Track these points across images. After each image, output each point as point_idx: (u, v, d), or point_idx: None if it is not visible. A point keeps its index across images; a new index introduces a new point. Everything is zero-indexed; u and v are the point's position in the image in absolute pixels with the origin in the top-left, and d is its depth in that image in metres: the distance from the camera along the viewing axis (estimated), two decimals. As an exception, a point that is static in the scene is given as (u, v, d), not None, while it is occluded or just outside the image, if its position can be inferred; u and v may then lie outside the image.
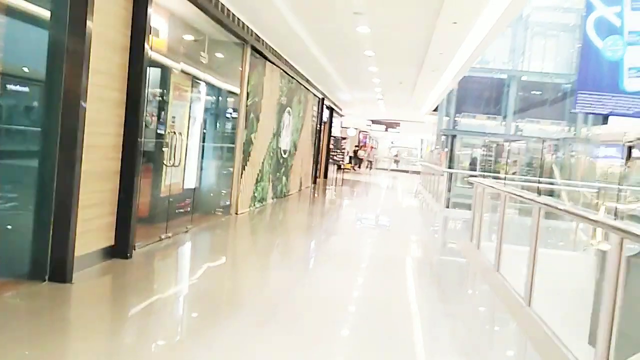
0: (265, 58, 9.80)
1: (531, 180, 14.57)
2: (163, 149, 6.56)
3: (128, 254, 5.38)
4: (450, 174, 12.95)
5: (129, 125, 5.36)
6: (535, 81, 23.40)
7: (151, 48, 5.66)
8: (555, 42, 23.70)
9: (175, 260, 6.19)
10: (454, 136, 22.61)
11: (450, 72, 11.99)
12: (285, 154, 12.34)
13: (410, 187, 23.07)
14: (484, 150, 18.88)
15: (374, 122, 29.13)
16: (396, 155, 44.31)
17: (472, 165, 18.28)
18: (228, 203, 8.84)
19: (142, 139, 5.55)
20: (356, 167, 31.41)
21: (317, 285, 5.33)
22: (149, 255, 5.79)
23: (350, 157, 27.59)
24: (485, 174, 15.43)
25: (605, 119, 21.62)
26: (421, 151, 54.64)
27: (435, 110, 22.52)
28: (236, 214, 8.99)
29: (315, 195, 15.28)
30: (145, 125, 7.01)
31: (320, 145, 17.68)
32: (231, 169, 8.83)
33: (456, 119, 22.44)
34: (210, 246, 7.13)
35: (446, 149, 16.48)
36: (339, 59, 11.96)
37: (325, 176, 19.93)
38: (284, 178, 12.41)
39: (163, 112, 6.86)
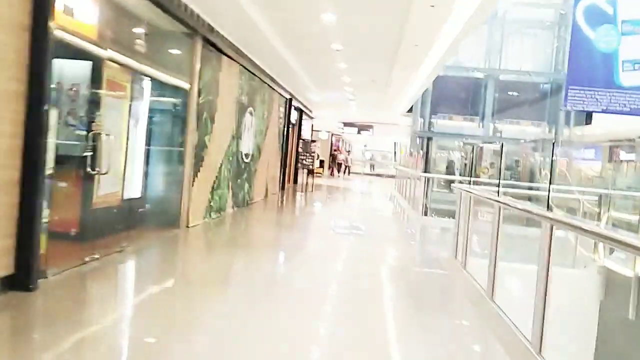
0: (221, 52, 8.75)
1: (519, 186, 13.75)
2: (87, 153, 5.44)
3: (31, 285, 4.28)
4: (427, 179, 12.03)
5: (31, 124, 4.25)
6: (514, 81, 22.80)
7: (75, 34, 4.60)
8: (533, 40, 23.15)
9: (94, 291, 5.03)
10: (429, 138, 21.89)
11: (426, 68, 11.11)
12: (247, 158, 11.27)
13: (385, 192, 22.21)
14: (462, 153, 18.10)
15: (345, 124, 28.22)
16: (371, 159, 43.57)
17: (449, 169, 17.47)
18: (177, 214, 7.74)
19: (49, 141, 4.45)
20: (335, 173, 30.30)
21: (274, 326, 4.29)
22: (62, 285, 4.67)
23: (321, 161, 26.60)
24: (464, 178, 14.63)
25: (588, 118, 21.17)
26: (395, 155, 54.14)
27: (410, 111, 21.71)
28: (187, 227, 7.89)
29: (283, 202, 14.24)
30: (67, 125, 5.91)
31: (289, 148, 16.65)
32: (181, 176, 7.73)
33: (431, 120, 21.68)
34: (146, 270, 6.00)
35: (421, 152, 15.61)
36: (305, 54, 10.98)
37: (295, 181, 18.89)
38: (246, 185, 11.35)
39: (91, 110, 5.77)
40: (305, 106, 19.94)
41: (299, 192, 16.80)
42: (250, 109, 11.20)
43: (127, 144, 6.91)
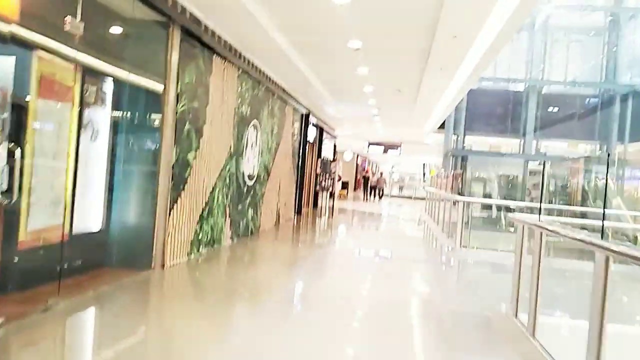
0: (210, 49, 7.14)
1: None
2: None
3: None
4: (465, 203, 10.14)
5: None
6: (558, 93, 20.75)
7: None
8: (579, 48, 21.13)
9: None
10: (464, 157, 19.95)
11: (464, 72, 9.33)
12: (251, 179, 9.60)
13: (414, 216, 20.28)
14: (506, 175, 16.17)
15: (371, 143, 26.45)
16: (399, 180, 41.63)
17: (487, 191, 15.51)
18: (149, 252, 6.07)
19: None
20: (368, 196, 28.04)
21: None
22: None
23: (344, 183, 24.80)
24: (506, 202, 12.71)
25: None
26: (424, 176, 51.86)
27: (441, 127, 19.86)
28: (162, 267, 6.21)
29: (298, 230, 12.48)
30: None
31: (306, 169, 14.96)
32: (153, 203, 6.08)
33: (466, 137, 19.76)
34: (73, 344, 4.27)
35: (455, 171, 13.72)
36: (317, 55, 9.30)
37: (315, 205, 17.15)
38: (250, 211, 9.65)
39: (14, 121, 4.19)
40: (325, 123, 18.29)
41: (318, 218, 15.04)
42: (255, 122, 9.56)
43: (75, 163, 5.32)
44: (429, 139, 22.16)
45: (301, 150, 14.41)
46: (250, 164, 9.48)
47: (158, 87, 6.02)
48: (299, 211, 14.40)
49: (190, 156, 6.74)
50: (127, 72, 5.85)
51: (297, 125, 13.61)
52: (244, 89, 8.81)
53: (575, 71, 21.30)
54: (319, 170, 15.05)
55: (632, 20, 20.25)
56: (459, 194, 11.83)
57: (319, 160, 15.37)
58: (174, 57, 6.17)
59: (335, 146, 23.96)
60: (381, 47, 8.37)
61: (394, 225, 17.05)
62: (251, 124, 9.33)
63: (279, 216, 11.94)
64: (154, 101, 6.09)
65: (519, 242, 5.15)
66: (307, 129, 14.54)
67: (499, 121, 20.06)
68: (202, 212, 7.29)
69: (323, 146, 19.04)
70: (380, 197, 27.81)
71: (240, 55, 8.21)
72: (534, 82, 19.89)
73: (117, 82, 5.85)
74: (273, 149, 11.08)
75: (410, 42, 7.94)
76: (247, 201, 9.47)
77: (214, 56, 7.34)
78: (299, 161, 14.10)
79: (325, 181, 14.74)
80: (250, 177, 9.53)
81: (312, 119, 15.45)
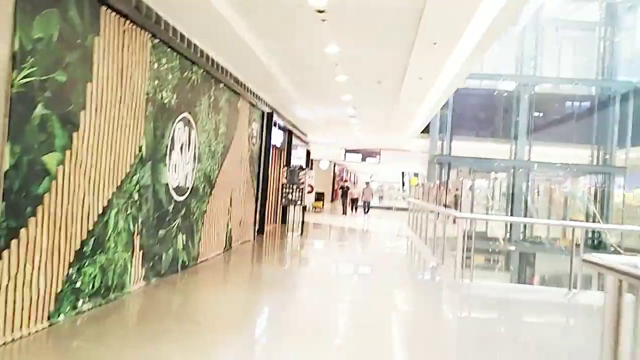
0: (92, -6, 4.64)
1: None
2: None
3: None
4: (468, 221, 7.73)
5: None
6: (551, 93, 18.66)
7: None
8: (573, 43, 19.10)
9: None
10: (450, 164, 17.65)
11: (447, 74, 7.15)
12: (181, 194, 7.06)
13: (398, 231, 17.90)
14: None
15: (348, 151, 24.06)
16: (379, 190, 39.40)
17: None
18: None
19: None
20: (348, 210, 24.37)
21: None
22: None
23: (319, 195, 22.23)
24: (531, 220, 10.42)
25: None
26: (402, 185, 49.51)
27: (425, 132, 17.56)
28: (-12, 348, 3.64)
29: (254, 258, 9.93)
30: None
31: (270, 179, 12.43)
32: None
33: (453, 142, 17.46)
34: None
35: (450, 180, 11.39)
36: (277, 37, 6.87)
37: (284, 221, 14.61)
38: (180, 237, 7.10)
39: None
40: (295, 126, 15.82)
41: (284, 238, 12.48)
42: (187, 116, 7.04)
43: None
44: (411, 144, 19.85)
45: (263, 157, 11.90)
46: (179, 174, 6.94)
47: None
48: (260, 230, 11.85)
49: (49, 160, 4.19)
50: None
51: (256, 125, 11.11)
52: (165, 67, 6.30)
53: (569, 68, 19.30)
54: (284, 181, 12.53)
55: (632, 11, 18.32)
56: (449, 207, 9.47)
57: (287, 168, 12.86)
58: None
59: (308, 153, 21.51)
60: (356, 22, 5.98)
61: (376, 245, 14.57)
62: (179, 118, 6.80)
63: (229, 239, 9.38)
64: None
65: (611, 304, 2.75)
66: (270, 132, 12.04)
67: (489, 124, 17.89)
68: (82, 248, 4.72)
69: (293, 153, 16.56)
70: (366, 212, 24.44)
71: (156, 17, 5.71)
72: (525, 80, 17.73)
73: None
74: (219, 153, 8.55)
75: (395, 18, 5.56)
76: (176, 224, 6.92)
77: (104, 9, 4.83)
78: (260, 170, 11.58)
79: (292, 193, 12.22)
80: (180, 191, 6.98)
81: (277, 120, 12.97)
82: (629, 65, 17.81)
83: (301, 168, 12.69)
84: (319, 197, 22.42)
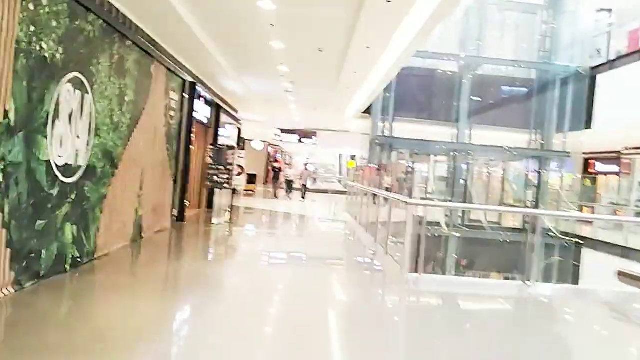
0: None
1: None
2: None
3: None
4: (420, 210, 6.76)
5: None
6: (494, 75, 18.16)
7: None
8: (516, 26, 18.62)
9: None
10: (391, 146, 16.80)
11: (392, 52, 6.13)
12: (70, 175, 5.65)
13: (334, 216, 16.96)
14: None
15: (284, 131, 22.81)
16: (314, 172, 38.43)
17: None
18: None
19: None
20: (279, 193, 22.72)
21: None
22: None
23: (251, 176, 20.86)
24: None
25: (588, 122, 16.64)
26: (340, 168, 48.79)
27: (366, 112, 16.61)
28: None
29: (168, 250, 8.61)
30: None
31: (192, 159, 11.03)
32: None
33: (394, 124, 16.59)
34: None
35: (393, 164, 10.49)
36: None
37: (209, 206, 13.24)
38: (69, 228, 5.70)
39: None
40: (224, 101, 14.42)
41: (209, 225, 11.14)
42: (77, 76, 5.60)
43: None
44: (351, 125, 18.90)
45: (185, 133, 10.49)
46: (67, 149, 5.52)
47: None
48: (180, 217, 10.47)
49: None
50: None
51: (175, 96, 9.67)
52: (47, 11, 4.86)
53: (511, 52, 18.88)
54: (208, 160, 11.18)
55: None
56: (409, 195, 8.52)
57: (212, 147, 11.49)
58: None
59: (239, 132, 20.10)
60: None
61: (313, 233, 13.51)
62: (67, 78, 5.37)
63: (139, 228, 8.00)
64: None
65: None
66: (192, 104, 10.63)
67: (430, 106, 17.18)
68: None
69: (223, 131, 15.17)
70: (303, 196, 22.96)
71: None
72: (468, 60, 17.06)
73: None
74: (125, 126, 7.12)
75: None
76: (62, 211, 5.51)
77: None
78: (179, 147, 10.17)
79: (218, 175, 10.90)
80: (68, 171, 5.57)
81: (201, 92, 11.56)
82: (570, 50, 17.56)
83: (229, 147, 11.37)
84: (251, 179, 21.08)
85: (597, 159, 18.39)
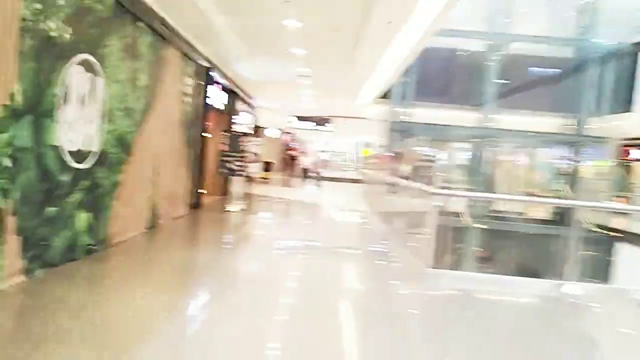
0: None
1: None
2: None
3: None
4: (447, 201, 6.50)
5: None
6: (524, 55, 17.40)
7: None
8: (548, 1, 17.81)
9: None
10: (405, 131, 16.41)
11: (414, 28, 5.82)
12: (82, 161, 5.50)
13: (351, 205, 16.69)
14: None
15: (299, 118, 22.57)
16: (329, 160, 38.13)
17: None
18: None
19: None
20: (294, 182, 22.40)
21: None
22: None
23: (267, 164, 20.66)
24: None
25: (627, 105, 15.64)
26: (356, 155, 48.26)
27: (384, 97, 16.28)
28: None
29: (185, 235, 8.46)
30: None
31: (208, 146, 10.85)
32: None
33: (413, 109, 16.18)
34: None
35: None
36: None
37: (225, 193, 13.09)
38: (82, 215, 5.55)
39: None
40: (239, 87, 14.21)
41: (223, 212, 10.96)
42: (88, 58, 5.42)
43: None
44: (368, 111, 18.57)
45: (201, 120, 10.31)
46: (79, 134, 5.35)
47: None
48: (196, 204, 10.33)
49: None
50: None
51: (190, 81, 9.48)
52: (52, -13, 4.67)
53: (543, 28, 17.99)
54: (223, 148, 11.00)
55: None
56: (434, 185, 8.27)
57: (227, 134, 11.30)
58: None
59: (256, 119, 19.90)
60: None
61: (327, 220, 13.26)
62: (76, 59, 5.19)
63: (154, 216, 7.86)
64: None
65: None
66: (206, 90, 10.43)
67: (452, 90, 16.71)
68: None
69: (239, 118, 14.98)
70: (318, 184, 22.77)
71: None
72: (495, 38, 16.27)
73: None
74: (139, 111, 6.95)
75: None
76: (74, 198, 5.36)
77: None
78: (194, 134, 9.99)
79: (233, 162, 10.72)
80: (79, 157, 5.41)
81: (217, 78, 11.35)
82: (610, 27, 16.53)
83: (244, 134, 11.17)
84: (267, 167, 20.90)
85: (631, 146, 17.46)
